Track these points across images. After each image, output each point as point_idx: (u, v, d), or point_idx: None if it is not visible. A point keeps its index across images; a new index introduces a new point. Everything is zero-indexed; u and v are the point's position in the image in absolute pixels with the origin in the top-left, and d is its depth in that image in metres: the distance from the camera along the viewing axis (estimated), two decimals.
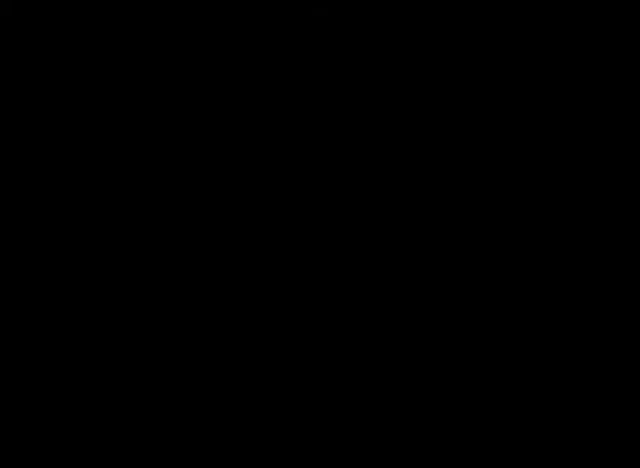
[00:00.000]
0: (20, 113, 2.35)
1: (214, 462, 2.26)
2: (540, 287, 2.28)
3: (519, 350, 2.27)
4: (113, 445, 2.26)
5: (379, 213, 2.32)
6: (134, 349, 2.29)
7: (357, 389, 2.28)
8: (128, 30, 2.35)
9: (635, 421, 2.23)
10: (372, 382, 2.28)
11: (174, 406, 2.27)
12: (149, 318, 2.30)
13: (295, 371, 2.28)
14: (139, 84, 2.35)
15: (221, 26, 2.35)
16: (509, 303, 2.28)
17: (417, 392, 2.27)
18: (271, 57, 2.35)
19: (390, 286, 2.30)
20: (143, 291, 2.30)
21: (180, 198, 2.33)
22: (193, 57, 2.35)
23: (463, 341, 2.28)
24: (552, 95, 2.33)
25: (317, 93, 2.34)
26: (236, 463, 2.26)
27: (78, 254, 2.31)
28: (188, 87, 2.35)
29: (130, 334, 2.29)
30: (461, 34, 2.34)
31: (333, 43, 2.34)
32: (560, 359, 2.27)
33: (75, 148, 2.34)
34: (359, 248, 2.31)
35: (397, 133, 2.33)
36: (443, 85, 2.33)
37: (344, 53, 2.34)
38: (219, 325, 2.30)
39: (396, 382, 2.27)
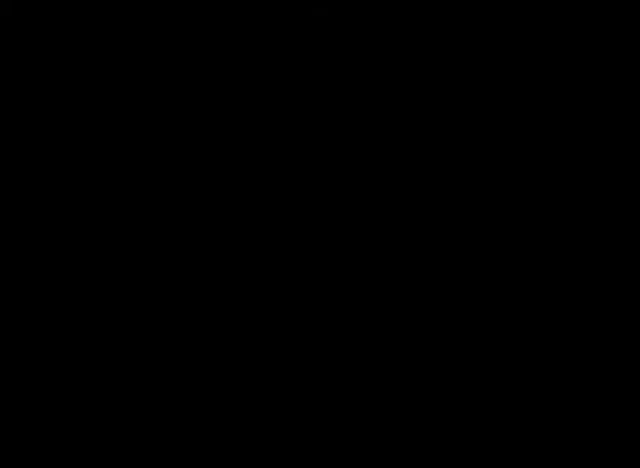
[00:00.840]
0: (21, 113, 2.35)
1: (214, 462, 2.26)
2: (541, 287, 2.28)
3: (519, 350, 2.27)
4: (113, 445, 2.26)
5: (379, 212, 2.32)
6: (134, 349, 2.29)
7: (357, 389, 2.28)
8: (128, 30, 2.35)
9: (635, 421, 2.23)
10: (372, 382, 2.28)
11: (174, 405, 2.27)
12: (149, 317, 2.30)
13: (295, 371, 2.28)
14: (139, 84, 2.35)
15: (222, 26, 2.35)
16: (509, 303, 2.28)
17: (417, 392, 2.27)
18: (271, 56, 2.35)
19: (390, 285, 2.30)
20: (143, 290, 2.30)
21: (181, 198, 2.33)
22: (193, 56, 2.35)
23: (463, 341, 2.28)
24: (552, 95, 2.33)
25: (317, 92, 2.34)
26: (236, 463, 2.26)
27: (78, 254, 2.31)
28: (189, 87, 2.35)
29: (130, 334, 2.29)
30: (462, 34, 2.34)
31: (333, 43, 2.34)
32: (560, 359, 2.27)
33: (75, 148, 2.34)
34: (359, 248, 2.31)
35: (397, 132, 2.33)
36: (443, 85, 2.33)
37: (344, 53, 2.34)
38: (218, 324, 2.30)
39: (396, 382, 2.27)
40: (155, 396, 2.28)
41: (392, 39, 2.35)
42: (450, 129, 2.33)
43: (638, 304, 2.27)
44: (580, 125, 2.32)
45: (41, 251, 2.31)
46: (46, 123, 2.34)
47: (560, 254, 2.29)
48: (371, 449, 2.25)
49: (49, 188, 2.33)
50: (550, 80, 2.33)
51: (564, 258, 2.29)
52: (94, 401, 2.27)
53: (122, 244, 2.32)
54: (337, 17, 2.34)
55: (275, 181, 2.33)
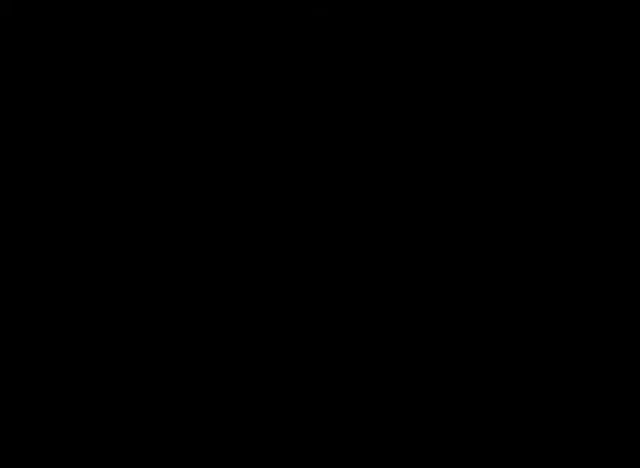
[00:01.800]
0: (21, 113, 2.35)
1: (214, 462, 2.26)
2: (541, 287, 2.29)
3: (519, 350, 2.27)
4: (113, 445, 2.26)
5: (378, 213, 2.32)
6: (134, 349, 2.29)
7: (357, 389, 2.28)
8: (128, 30, 2.35)
9: (635, 421, 2.23)
10: (372, 382, 2.28)
11: (174, 406, 2.27)
12: (149, 318, 2.30)
13: (295, 372, 2.28)
14: (139, 84, 2.35)
15: (222, 26, 2.35)
16: (509, 303, 2.28)
17: (417, 392, 2.27)
18: (271, 56, 2.35)
19: (390, 286, 2.30)
20: (143, 291, 2.31)
21: (181, 198, 2.33)
22: (193, 56, 2.35)
23: (463, 341, 2.28)
24: (552, 95, 2.33)
25: (317, 92, 2.34)
26: (236, 463, 2.26)
27: (78, 255, 2.32)
28: (189, 87, 2.35)
29: (130, 334, 2.29)
30: (462, 34, 2.34)
31: (333, 43, 2.34)
32: (560, 359, 2.27)
33: (75, 148, 2.34)
34: (359, 248, 2.31)
35: (397, 132, 2.33)
36: (443, 85, 2.33)
37: (344, 53, 2.34)
38: (218, 325, 2.30)
39: (396, 382, 2.28)
40: (155, 396, 2.28)
41: (392, 39, 2.35)
42: (449, 129, 2.33)
43: (638, 304, 2.27)
44: (580, 125, 2.32)
45: (41, 251, 2.32)
46: (46, 123, 2.34)
47: (560, 254, 2.30)
48: (371, 450, 2.25)
49: (49, 188, 2.33)
50: (550, 80, 2.33)
51: (564, 258, 2.29)
52: (93, 401, 2.27)
53: (122, 243, 2.32)
54: (337, 17, 2.34)
55: (275, 181, 2.33)
